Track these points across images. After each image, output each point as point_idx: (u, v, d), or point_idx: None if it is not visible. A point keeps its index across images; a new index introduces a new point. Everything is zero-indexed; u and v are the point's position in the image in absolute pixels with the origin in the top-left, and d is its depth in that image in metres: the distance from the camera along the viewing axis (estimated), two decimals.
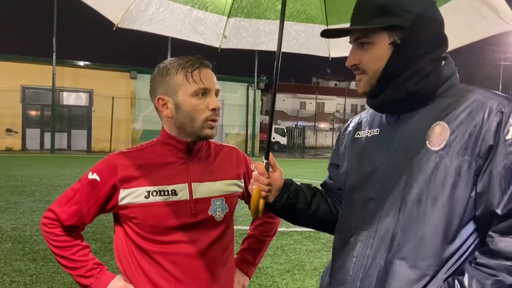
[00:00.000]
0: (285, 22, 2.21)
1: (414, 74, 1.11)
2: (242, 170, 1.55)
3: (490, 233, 1.01)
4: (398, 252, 1.07)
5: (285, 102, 53.66)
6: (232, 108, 26.12)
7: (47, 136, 21.99)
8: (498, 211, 1.00)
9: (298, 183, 1.38)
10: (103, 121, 22.41)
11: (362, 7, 1.17)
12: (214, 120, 1.39)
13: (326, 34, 1.26)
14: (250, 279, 1.68)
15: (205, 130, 1.38)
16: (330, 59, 2.35)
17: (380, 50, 1.13)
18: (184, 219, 1.38)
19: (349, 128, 1.38)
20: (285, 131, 34.29)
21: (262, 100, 44.41)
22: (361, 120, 1.35)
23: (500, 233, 0.99)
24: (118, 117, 22.60)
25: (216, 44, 2.20)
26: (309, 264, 4.88)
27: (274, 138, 33.32)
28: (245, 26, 2.22)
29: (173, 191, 1.38)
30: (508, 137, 1.01)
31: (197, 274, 1.39)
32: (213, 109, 1.37)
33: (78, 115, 23.34)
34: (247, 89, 26.38)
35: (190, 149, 1.42)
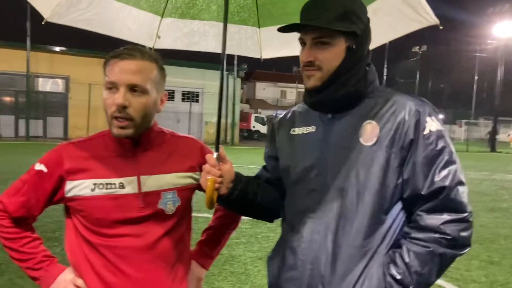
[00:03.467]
0: (219, 23, 2.23)
1: (351, 77, 1.27)
2: (197, 162, 1.48)
3: (418, 212, 1.21)
4: (343, 235, 1.23)
5: (265, 90, 53.65)
6: (212, 96, 25.96)
7: (22, 123, 21.50)
8: (423, 193, 1.19)
9: (244, 175, 1.41)
10: (80, 108, 21.97)
11: (326, 8, 1.24)
12: (122, 118, 1.29)
13: (285, 29, 1.29)
14: (207, 270, 1.63)
15: (113, 128, 1.31)
16: (262, 61, 2.42)
17: (337, 52, 1.26)
18: (132, 213, 1.35)
19: (283, 124, 1.47)
20: (265, 119, 34.34)
21: (242, 88, 44.27)
22: (294, 116, 1.45)
23: (426, 212, 1.20)
24: (96, 105, 22.15)
25: (149, 44, 2.17)
26: None
27: (254, 127, 33.37)
28: (179, 26, 2.22)
29: (121, 184, 1.35)
30: (425, 132, 1.21)
31: (146, 268, 1.36)
32: (117, 105, 1.27)
33: (54, 102, 22.83)
34: (227, 77, 26.26)
35: (136, 142, 1.38)
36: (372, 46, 1.35)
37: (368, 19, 1.31)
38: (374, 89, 1.31)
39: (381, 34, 1.87)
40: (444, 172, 1.18)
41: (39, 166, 1.37)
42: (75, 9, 1.92)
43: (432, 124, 1.21)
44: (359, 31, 1.25)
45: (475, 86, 47.08)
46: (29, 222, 1.42)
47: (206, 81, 25.64)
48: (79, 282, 1.37)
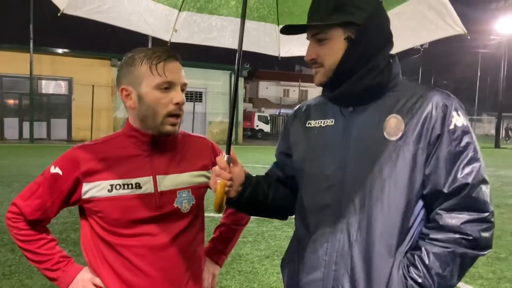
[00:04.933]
0: (237, 19, 2.22)
1: (372, 69, 1.22)
2: (210, 161, 1.51)
3: (438, 211, 1.15)
4: (369, 233, 1.17)
5: (268, 89, 53.62)
6: (215, 96, 25.98)
7: (26, 125, 21.58)
8: (444, 190, 1.14)
9: (254, 175, 1.39)
10: (84, 109, 22.03)
11: (318, 4, 1.26)
12: (177, 116, 1.36)
13: (286, 30, 1.31)
14: (221, 267, 1.67)
15: (166, 126, 1.36)
16: (279, 59, 2.40)
17: (336, 45, 1.23)
18: (149, 212, 1.37)
19: (297, 118, 1.43)
20: (269, 118, 34.35)
21: (245, 87, 44.23)
22: (310, 109, 1.41)
23: (446, 211, 1.14)
24: (99, 106, 22.25)
25: (165, 37, 2.16)
26: None
27: (257, 126, 33.37)
28: (196, 21, 2.21)
29: (137, 184, 1.37)
30: (451, 126, 1.16)
31: (163, 266, 1.38)
32: (177, 104, 1.35)
33: (57, 104, 22.91)
34: (230, 77, 26.26)
35: (155, 142, 1.40)
36: (395, 50, 1.32)
37: (376, 6, 1.24)
38: (398, 83, 1.26)
39: (403, 38, 1.82)
40: (468, 169, 1.14)
41: (54, 169, 1.37)
42: (92, 1, 1.89)
43: (458, 119, 1.17)
44: (358, 21, 1.20)
45: (478, 82, 46.84)
46: (44, 224, 1.43)
47: (209, 81, 25.65)
48: (97, 281, 1.38)
